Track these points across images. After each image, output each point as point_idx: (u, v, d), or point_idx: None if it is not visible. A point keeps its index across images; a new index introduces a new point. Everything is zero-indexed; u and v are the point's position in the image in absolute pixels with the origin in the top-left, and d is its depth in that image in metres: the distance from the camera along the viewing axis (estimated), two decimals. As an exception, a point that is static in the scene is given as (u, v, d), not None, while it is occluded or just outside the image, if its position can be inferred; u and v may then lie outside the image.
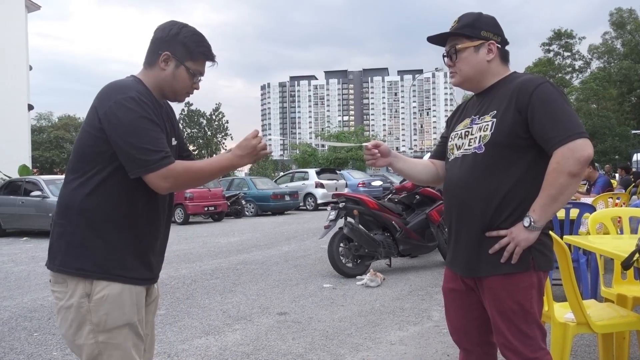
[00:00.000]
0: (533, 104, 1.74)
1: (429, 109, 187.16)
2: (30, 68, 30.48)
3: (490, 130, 1.81)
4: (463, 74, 1.93)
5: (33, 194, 12.23)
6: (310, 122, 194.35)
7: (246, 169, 45.32)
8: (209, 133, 40.86)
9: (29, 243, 11.07)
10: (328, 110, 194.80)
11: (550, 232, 1.87)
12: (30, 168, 22.11)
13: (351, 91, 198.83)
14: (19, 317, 4.59)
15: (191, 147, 40.73)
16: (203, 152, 40.14)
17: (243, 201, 17.46)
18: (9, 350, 3.68)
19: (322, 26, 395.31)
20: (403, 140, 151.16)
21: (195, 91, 1.94)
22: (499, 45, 1.91)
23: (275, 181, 21.25)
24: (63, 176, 8.69)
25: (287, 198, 17.95)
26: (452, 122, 2.07)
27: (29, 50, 30.08)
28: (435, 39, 1.98)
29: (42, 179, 12.85)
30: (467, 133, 1.91)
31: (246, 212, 17.59)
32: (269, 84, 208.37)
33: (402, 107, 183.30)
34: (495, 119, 1.81)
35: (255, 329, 4.07)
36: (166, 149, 1.72)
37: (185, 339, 3.85)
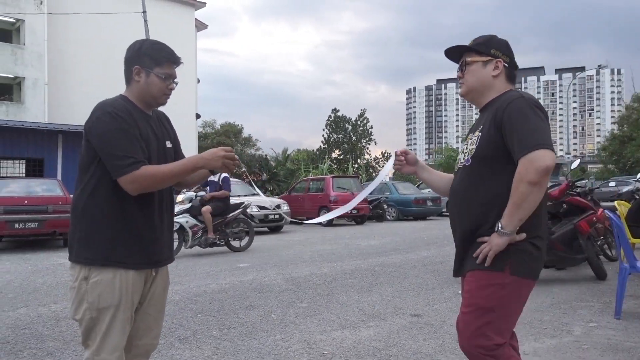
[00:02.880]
0: (505, 119, 1.90)
1: (592, 109, 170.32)
2: (198, 81, 34.09)
3: (476, 144, 2.02)
4: (468, 84, 2.12)
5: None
6: (457, 126, 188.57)
7: (390, 172, 45.46)
8: (353, 138, 41.79)
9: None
10: (476, 113, 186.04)
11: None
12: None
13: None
14: (186, 300, 5.34)
15: (336, 152, 42.17)
16: (348, 156, 41.16)
17: (385, 205, 17.72)
18: (179, 326, 4.34)
19: (469, 26, 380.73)
20: (560, 145, 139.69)
21: (169, 93, 2.25)
22: (506, 65, 2.08)
23: (418, 186, 21.16)
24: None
25: (429, 203, 17.83)
26: (466, 138, 2.24)
27: (198, 65, 33.54)
28: (451, 53, 2.18)
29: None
30: (465, 148, 2.14)
31: (387, 217, 17.82)
32: (414, 88, 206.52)
33: (560, 109, 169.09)
34: (480, 134, 2.01)
35: (388, 327, 4.27)
36: (135, 156, 2.04)
37: (323, 330, 4.19)
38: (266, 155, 36.52)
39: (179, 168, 2.13)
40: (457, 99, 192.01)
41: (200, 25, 34.19)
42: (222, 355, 3.57)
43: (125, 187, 2.05)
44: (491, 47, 2.09)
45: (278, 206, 13.80)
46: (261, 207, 13.22)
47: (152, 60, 2.20)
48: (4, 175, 14.86)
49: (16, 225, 9.71)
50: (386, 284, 6.15)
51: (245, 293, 5.66)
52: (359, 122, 42.31)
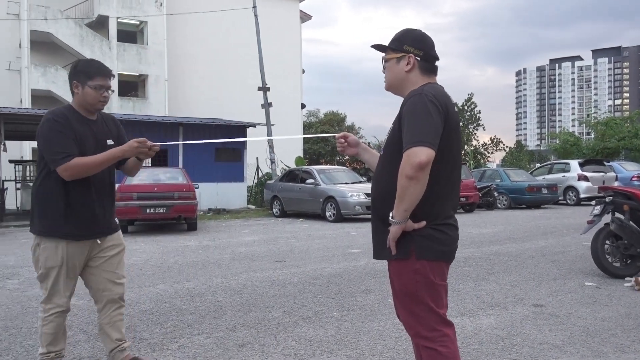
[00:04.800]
0: (402, 114, 2.04)
1: None
2: (303, 71, 34.88)
3: (387, 135, 2.19)
4: (387, 80, 2.25)
5: (308, 181, 14.20)
6: (572, 108, 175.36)
7: (498, 160, 43.50)
8: (460, 124, 40.51)
9: (305, 224, 12.92)
10: (595, 94, 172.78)
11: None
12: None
13: (625, 70, 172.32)
14: (305, 282, 5.59)
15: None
16: (454, 143, 40.01)
17: (495, 193, 17.04)
18: (301, 306, 4.57)
19: (586, 0, 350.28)
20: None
21: (104, 100, 2.83)
22: (419, 59, 2.15)
23: (531, 173, 20.09)
24: (331, 167, 9.91)
25: (545, 191, 16.86)
26: None
27: (302, 56, 34.22)
28: (378, 48, 2.29)
29: (315, 168, 14.81)
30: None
31: (498, 204, 17.14)
32: (524, 69, 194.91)
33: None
34: (392, 126, 2.15)
35: (509, 316, 4.18)
36: (67, 151, 2.66)
37: (442, 316, 4.19)
38: (369, 143, 36.56)
39: (102, 158, 2.74)
40: (572, 79, 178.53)
41: (305, 17, 34.85)
42: (345, 335, 3.72)
43: (62, 175, 2.68)
44: (404, 43, 2.18)
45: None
46: (368, 194, 13.31)
47: (85, 75, 2.79)
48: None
49: (147, 210, 10.68)
50: (503, 272, 5.98)
51: (360, 277, 5.80)
52: (465, 107, 40.89)
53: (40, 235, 2.80)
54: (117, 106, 25.07)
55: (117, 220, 3.10)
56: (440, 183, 2.04)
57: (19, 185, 17.39)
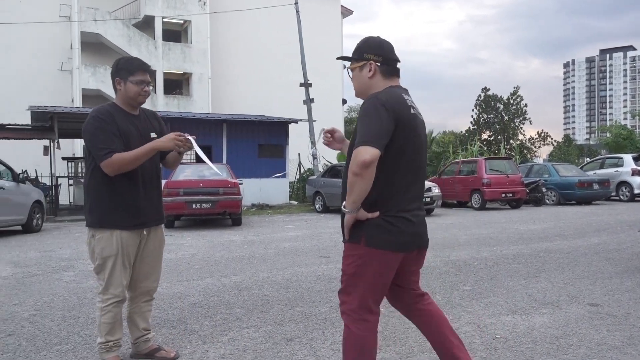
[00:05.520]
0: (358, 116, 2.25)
1: None
2: (344, 67, 34.73)
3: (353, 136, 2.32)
4: (355, 88, 2.43)
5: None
6: (624, 100, 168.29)
7: (544, 155, 42.22)
8: (505, 118, 39.44)
9: (347, 219, 12.90)
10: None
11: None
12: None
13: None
14: (350, 277, 5.57)
15: (487, 133, 40.17)
16: (499, 137, 39.03)
17: (544, 189, 16.56)
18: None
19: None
20: None
21: (145, 94, 2.98)
22: (379, 64, 2.33)
23: (581, 168, 19.41)
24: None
25: (596, 186, 16.27)
26: None
27: (343, 51, 34.14)
28: (343, 59, 2.51)
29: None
30: None
31: (547, 200, 16.65)
32: (573, 61, 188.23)
33: None
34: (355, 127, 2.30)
35: (563, 315, 4.04)
36: (110, 147, 2.80)
37: (492, 314, 4.10)
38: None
39: (141, 151, 2.85)
40: (624, 70, 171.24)
41: (346, 12, 34.72)
42: (393, 332, 3.68)
43: (105, 170, 2.84)
44: (364, 51, 2.36)
45: (429, 189, 13.62)
46: (411, 190, 13.17)
47: (127, 71, 2.94)
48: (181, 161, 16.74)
49: (194, 206, 10.90)
50: (555, 270, 5.79)
51: (406, 274, 5.73)
52: (511, 101, 39.82)
53: (94, 227, 2.94)
54: (162, 104, 25.69)
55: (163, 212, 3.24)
56: (394, 179, 2.25)
57: (71, 182, 18.07)
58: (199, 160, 15.27)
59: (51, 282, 5.56)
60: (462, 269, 5.97)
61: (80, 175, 17.94)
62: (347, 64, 2.46)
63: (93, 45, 25.64)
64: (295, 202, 18.40)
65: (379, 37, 2.42)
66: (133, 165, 2.88)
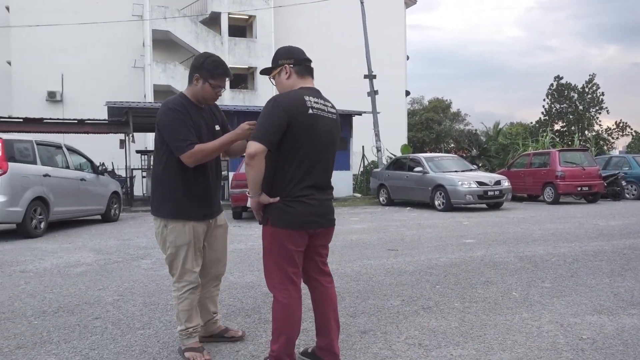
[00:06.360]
0: None
1: None
2: (408, 58, 34.21)
3: None
4: (278, 91, 2.75)
5: (416, 169, 13.93)
6: None
7: (620, 146, 39.79)
8: (580, 107, 37.43)
9: (413, 212, 12.71)
10: None
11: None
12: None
13: None
14: (421, 271, 5.47)
15: (559, 124, 38.31)
16: (573, 128, 37.13)
17: (623, 182, 15.62)
18: (420, 296, 4.47)
19: None
20: None
21: (217, 97, 3.07)
22: (292, 66, 2.71)
23: (666, 160, 18.11)
24: (440, 154, 9.73)
25: (683, 180, 15.15)
26: None
27: (407, 43, 33.57)
28: (265, 71, 2.86)
29: (423, 156, 14.48)
30: None
31: (626, 195, 15.70)
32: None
33: None
34: None
35: (656, 317, 3.77)
36: (190, 139, 2.86)
37: (575, 313, 3.89)
38: (476, 130, 35.08)
39: (220, 142, 2.96)
40: None
41: (409, 2, 34.10)
42: (470, 328, 3.57)
43: (185, 162, 2.89)
44: (278, 58, 2.74)
45: (498, 182, 13.16)
46: (480, 183, 12.78)
47: (209, 74, 2.99)
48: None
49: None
50: (642, 269, 5.43)
51: (479, 268, 5.56)
52: (586, 90, 37.73)
53: (167, 218, 3.00)
54: (228, 98, 26.29)
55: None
56: (289, 169, 2.59)
57: (144, 174, 18.88)
58: None
59: (131, 269, 5.82)
60: (538, 265, 5.72)
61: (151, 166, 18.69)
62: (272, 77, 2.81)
63: (163, 43, 26.59)
64: (359, 195, 18.34)
65: (288, 45, 2.82)
66: (212, 156, 2.98)
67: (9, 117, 16.77)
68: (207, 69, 2.99)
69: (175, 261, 3.01)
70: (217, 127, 3.13)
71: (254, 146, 2.50)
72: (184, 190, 2.97)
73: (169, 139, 2.91)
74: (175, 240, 2.98)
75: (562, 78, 38.50)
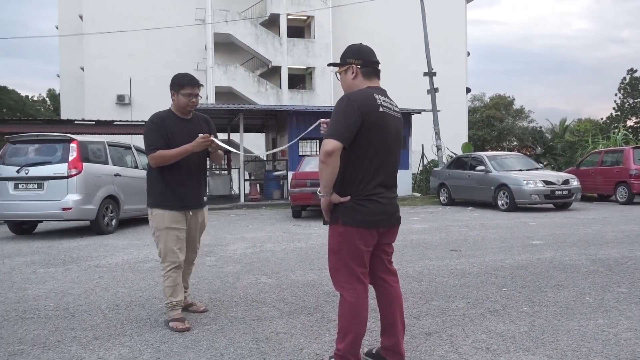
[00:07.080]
0: None
1: None
2: (468, 54, 33.37)
3: None
4: (343, 88, 2.78)
5: (478, 168, 13.56)
6: None
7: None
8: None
9: (475, 212, 12.38)
10: None
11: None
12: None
13: None
14: (486, 273, 5.31)
15: (633, 120, 36.13)
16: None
17: None
18: (486, 298, 4.33)
19: None
20: None
21: (192, 105, 3.69)
22: (359, 67, 2.71)
23: None
24: (503, 153, 9.43)
25: None
26: None
27: (467, 38, 32.78)
28: (333, 65, 2.89)
29: (485, 155, 14.08)
30: None
31: None
32: None
33: None
34: None
35: None
36: (155, 144, 3.53)
37: (657, 321, 3.65)
38: (540, 127, 33.71)
39: (177, 151, 3.54)
40: None
41: (470, -4, 33.22)
42: (541, 333, 3.43)
43: (150, 162, 3.62)
44: (347, 57, 2.74)
45: (567, 181, 12.59)
46: (547, 182, 12.27)
47: (179, 85, 3.63)
48: (305, 154, 17.22)
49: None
50: None
51: (548, 271, 5.33)
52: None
53: (152, 207, 3.70)
54: (286, 98, 26.62)
55: (205, 198, 3.91)
56: (361, 167, 2.59)
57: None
58: None
59: (196, 266, 5.97)
60: (613, 268, 5.42)
61: (214, 167, 19.21)
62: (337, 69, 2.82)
63: (224, 45, 27.26)
64: (418, 194, 18.08)
65: (360, 43, 2.79)
66: (171, 161, 3.57)
67: (83, 120, 17.75)
68: (176, 82, 3.64)
69: (160, 244, 3.66)
70: (201, 135, 3.63)
71: (331, 144, 2.47)
72: (164, 185, 3.64)
73: (144, 143, 3.65)
74: (157, 225, 3.65)
75: (635, 71, 36.36)
